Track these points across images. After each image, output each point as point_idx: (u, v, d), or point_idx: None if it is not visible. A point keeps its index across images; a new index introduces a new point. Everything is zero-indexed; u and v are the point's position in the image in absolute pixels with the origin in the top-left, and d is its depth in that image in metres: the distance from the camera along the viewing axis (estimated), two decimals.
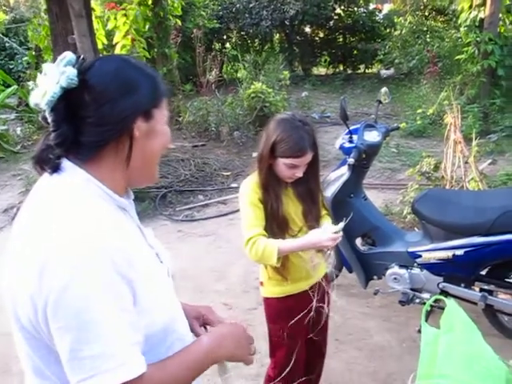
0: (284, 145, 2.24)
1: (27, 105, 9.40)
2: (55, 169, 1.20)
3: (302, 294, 2.46)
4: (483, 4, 8.56)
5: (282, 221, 2.36)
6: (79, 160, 1.21)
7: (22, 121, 10.25)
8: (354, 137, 3.64)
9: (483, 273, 3.47)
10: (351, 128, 3.67)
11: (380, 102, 3.90)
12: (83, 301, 1.07)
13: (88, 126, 1.18)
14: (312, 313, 2.37)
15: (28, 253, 1.12)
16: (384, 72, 13.79)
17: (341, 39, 15.60)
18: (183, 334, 1.38)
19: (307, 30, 15.75)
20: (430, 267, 3.46)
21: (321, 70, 16.34)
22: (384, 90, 3.91)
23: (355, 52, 15.30)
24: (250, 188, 2.37)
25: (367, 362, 3.47)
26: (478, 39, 8.59)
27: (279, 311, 2.53)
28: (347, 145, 3.68)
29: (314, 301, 2.36)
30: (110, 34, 9.21)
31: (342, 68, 15.78)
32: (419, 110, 8.94)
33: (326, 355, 2.82)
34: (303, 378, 2.59)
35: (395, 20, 14.60)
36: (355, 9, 15.22)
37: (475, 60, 8.72)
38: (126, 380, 1.09)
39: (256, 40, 15.66)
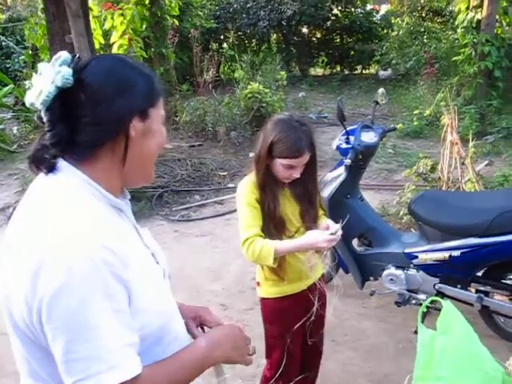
0: (281, 145, 2.23)
1: (24, 104, 9.35)
2: (51, 169, 1.20)
3: (298, 294, 2.46)
4: (480, 5, 8.59)
5: (279, 221, 2.36)
6: (75, 160, 1.21)
7: (19, 120, 10.22)
8: (351, 137, 3.63)
9: (479, 274, 3.48)
10: (348, 129, 3.67)
11: (377, 102, 3.90)
12: (77, 302, 1.06)
13: (83, 126, 1.18)
14: (312, 317, 2.37)
15: (24, 252, 1.11)
16: (382, 73, 13.81)
17: (338, 40, 15.60)
18: (179, 334, 1.38)
19: (304, 30, 15.75)
20: (427, 268, 3.46)
21: (318, 71, 16.34)
22: (381, 90, 3.91)
23: (352, 53, 15.30)
24: (247, 188, 2.37)
25: (363, 363, 3.47)
26: (474, 40, 8.61)
27: (276, 312, 2.53)
28: (344, 145, 3.68)
29: (315, 305, 2.36)
30: (107, 34, 9.19)
31: (339, 68, 15.78)
32: (416, 111, 8.95)
33: (322, 355, 2.82)
34: (300, 377, 2.58)
35: (392, 21, 14.64)
36: (352, 9, 15.22)
37: (472, 61, 8.74)
38: (120, 381, 1.08)
39: (253, 40, 15.65)
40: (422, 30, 13.12)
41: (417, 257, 3.48)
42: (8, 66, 14.29)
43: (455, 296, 3.41)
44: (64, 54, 1.19)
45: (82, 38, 6.00)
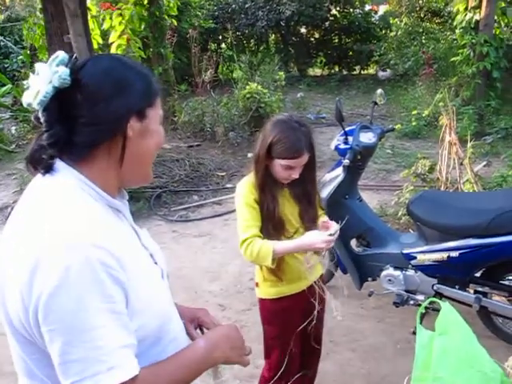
0: (280, 146, 2.23)
1: (22, 104, 9.38)
2: (48, 169, 1.19)
3: (297, 295, 2.46)
4: (478, 6, 8.61)
5: (278, 222, 2.35)
6: (72, 160, 1.20)
7: (17, 120, 10.22)
8: (350, 138, 3.63)
9: (478, 275, 3.48)
10: (346, 129, 3.66)
11: (375, 103, 3.90)
12: (74, 303, 1.06)
13: (81, 126, 1.17)
14: (314, 321, 2.37)
15: (22, 252, 1.11)
16: (382, 74, 13.80)
17: (336, 40, 15.62)
18: (178, 335, 1.37)
19: (303, 30, 15.77)
20: (425, 269, 3.46)
21: (316, 71, 16.36)
22: (379, 91, 3.91)
23: (351, 53, 15.32)
24: (245, 189, 2.37)
25: (361, 364, 3.47)
26: (473, 41, 8.63)
27: (274, 312, 2.53)
28: (342, 146, 3.68)
29: (317, 309, 2.36)
30: (105, 34, 9.20)
31: (337, 69, 15.80)
32: (414, 112, 8.95)
33: (321, 355, 2.82)
34: (298, 375, 2.58)
35: (391, 21, 14.66)
36: (351, 10, 15.25)
37: (470, 62, 8.76)
38: (118, 382, 1.08)
39: (251, 40, 15.67)
40: (421, 30, 13.15)
41: (415, 257, 3.48)
42: (6, 65, 14.28)
43: (453, 297, 3.41)
44: (61, 54, 1.18)
45: (80, 38, 5.99)
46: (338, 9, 15.20)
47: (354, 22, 14.82)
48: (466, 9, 8.86)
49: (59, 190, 1.18)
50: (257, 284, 2.57)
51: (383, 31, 15.02)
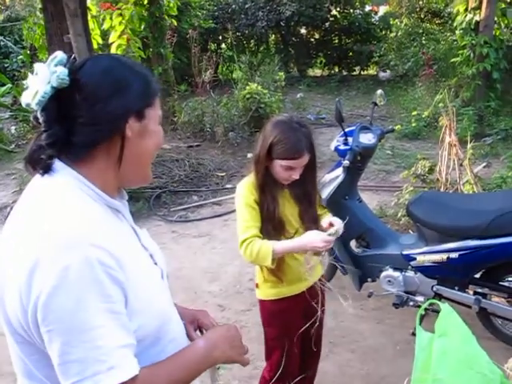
0: (281, 146, 2.23)
1: (21, 104, 9.36)
2: (47, 169, 1.19)
3: (297, 296, 2.46)
4: (479, 7, 8.61)
5: (278, 222, 2.35)
6: (71, 160, 1.20)
7: (17, 120, 10.22)
8: (349, 139, 3.63)
9: (477, 276, 3.48)
10: (346, 130, 3.66)
11: (375, 104, 3.89)
12: (73, 302, 1.06)
13: (79, 126, 1.17)
14: (317, 323, 2.37)
15: (22, 252, 1.11)
16: (383, 75, 13.81)
17: (336, 41, 15.63)
18: (178, 335, 1.38)
19: (303, 31, 15.78)
20: (425, 270, 3.45)
21: (316, 72, 16.36)
22: (379, 92, 3.91)
23: (351, 54, 15.33)
24: (246, 189, 2.37)
25: (360, 365, 3.47)
26: (473, 42, 8.63)
27: (275, 314, 2.52)
28: (342, 147, 3.67)
29: (319, 311, 2.36)
30: (105, 34, 9.20)
31: (337, 69, 15.81)
32: (414, 113, 8.95)
33: (320, 355, 2.82)
34: (298, 378, 2.58)
35: (391, 22, 14.66)
36: (351, 10, 15.26)
37: (470, 63, 8.76)
38: (118, 382, 1.08)
39: (251, 41, 15.68)
40: (421, 31, 13.14)
41: (415, 258, 3.47)
42: (6, 65, 14.29)
43: (453, 298, 3.41)
44: (60, 54, 1.18)
45: (80, 37, 5.99)
46: (338, 9, 15.21)
47: (354, 22, 14.83)
48: (466, 10, 8.86)
49: (58, 190, 1.18)
50: (257, 285, 2.57)
51: (383, 32, 15.03)
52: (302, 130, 2.27)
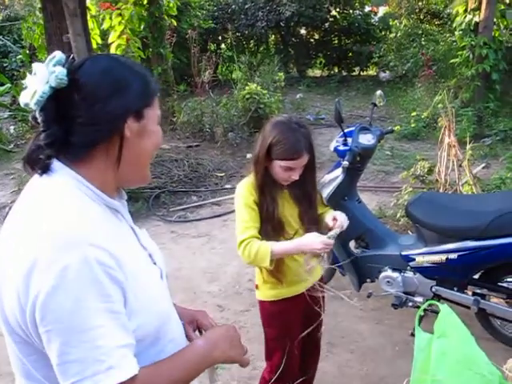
0: (280, 147, 2.23)
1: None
2: (45, 169, 1.19)
3: (296, 297, 2.45)
4: (478, 8, 8.62)
5: (278, 223, 2.35)
6: (69, 160, 1.20)
7: (16, 119, 10.21)
8: (349, 139, 3.62)
9: (476, 277, 3.48)
10: (346, 130, 3.65)
11: (375, 104, 3.89)
12: (72, 302, 1.05)
13: (78, 126, 1.17)
14: (322, 326, 2.37)
15: (21, 252, 1.11)
16: (383, 75, 13.80)
17: (336, 41, 15.64)
18: (177, 335, 1.37)
19: (302, 31, 15.80)
20: (423, 271, 3.45)
21: (316, 72, 16.38)
22: (379, 92, 3.91)
23: (350, 54, 15.35)
24: (245, 190, 2.36)
25: (359, 365, 3.46)
26: (472, 43, 8.64)
27: (275, 314, 2.52)
28: (341, 147, 3.67)
29: (322, 315, 2.36)
30: (104, 34, 9.19)
31: (336, 70, 15.82)
32: (414, 113, 8.96)
33: (319, 356, 2.82)
34: (299, 380, 2.58)
35: (390, 23, 14.69)
36: (351, 11, 15.27)
37: (470, 64, 8.77)
38: (118, 382, 1.07)
39: (251, 41, 15.69)
40: (420, 32, 13.15)
41: (414, 259, 3.47)
42: (5, 65, 14.30)
43: (452, 299, 3.41)
44: (58, 54, 1.18)
45: (79, 37, 5.99)
46: (337, 10, 15.23)
47: (353, 23, 14.84)
48: (465, 11, 8.88)
49: (57, 190, 1.18)
50: (256, 286, 2.56)
51: (383, 32, 15.05)
52: (301, 131, 2.26)
